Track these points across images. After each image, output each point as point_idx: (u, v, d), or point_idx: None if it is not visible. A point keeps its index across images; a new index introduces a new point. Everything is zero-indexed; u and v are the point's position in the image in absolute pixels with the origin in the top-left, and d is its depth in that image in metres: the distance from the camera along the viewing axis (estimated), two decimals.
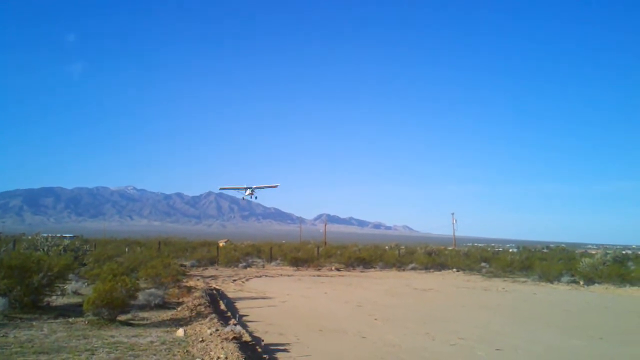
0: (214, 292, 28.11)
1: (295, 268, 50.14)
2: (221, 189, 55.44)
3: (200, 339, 13.91)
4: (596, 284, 37.66)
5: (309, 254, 57.87)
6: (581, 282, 38.85)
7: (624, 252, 62.61)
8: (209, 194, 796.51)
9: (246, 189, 54.74)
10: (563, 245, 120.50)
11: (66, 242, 38.49)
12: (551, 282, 40.52)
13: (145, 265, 28.93)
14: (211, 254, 53.92)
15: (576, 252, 74.62)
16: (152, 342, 13.65)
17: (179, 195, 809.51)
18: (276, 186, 57.10)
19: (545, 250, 79.78)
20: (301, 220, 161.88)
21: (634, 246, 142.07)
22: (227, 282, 35.37)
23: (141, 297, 20.17)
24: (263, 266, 52.16)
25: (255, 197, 54.91)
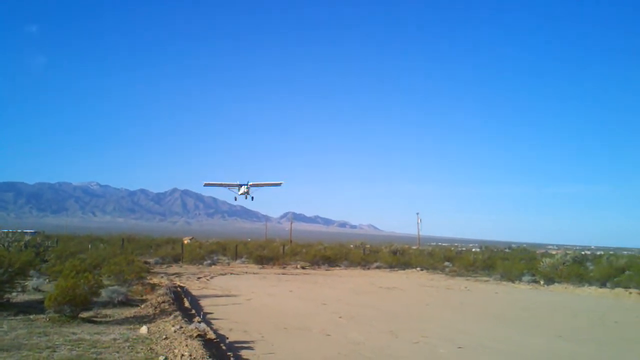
0: (178, 289, 27.93)
1: (260, 266, 50.04)
2: (206, 184, 47.53)
3: (164, 337, 13.84)
4: (556, 284, 38.38)
5: (275, 252, 57.78)
6: (542, 282, 39.56)
7: (583, 252, 63.99)
8: (174, 190, 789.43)
9: (239, 186, 47.30)
10: (525, 245, 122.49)
11: (27, 238, 37.87)
12: (512, 281, 41.17)
13: (109, 262, 28.64)
14: (175, 252, 53.50)
15: (537, 252, 75.93)
16: (115, 339, 13.53)
17: (144, 191, 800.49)
18: (280, 184, 50.32)
19: (507, 250, 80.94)
20: (267, 219, 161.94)
21: (592, 247, 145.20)
22: (192, 279, 35.15)
23: (104, 294, 19.95)
24: (228, 264, 51.90)
25: (252, 198, 47.56)
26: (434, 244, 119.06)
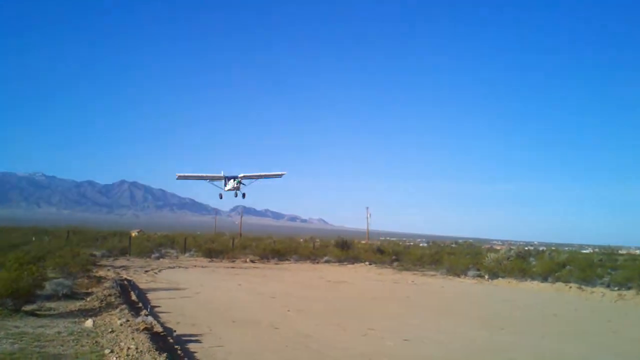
0: (125, 282, 27.55)
1: (209, 259, 49.69)
2: (180, 177, 39.98)
3: (110, 330, 13.71)
4: (500, 278, 39.30)
5: (224, 245, 57.50)
6: (486, 276, 40.45)
7: (526, 248, 65.56)
8: (122, 182, 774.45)
9: (225, 179, 39.00)
10: (470, 240, 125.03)
11: None
12: (458, 275, 41.97)
13: (54, 254, 28.10)
14: (123, 244, 52.58)
15: (482, 247, 77.61)
16: (59, 332, 13.33)
17: (91, 183, 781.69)
18: (281, 175, 42.05)
19: (453, 246, 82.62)
20: (217, 212, 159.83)
21: (535, 243, 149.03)
22: (139, 272, 34.70)
23: (48, 287, 19.57)
24: (177, 257, 51.34)
25: (243, 195, 39.30)
26: (383, 238, 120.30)
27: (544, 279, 37.09)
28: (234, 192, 39.13)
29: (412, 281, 37.92)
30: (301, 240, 73.25)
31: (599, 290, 32.13)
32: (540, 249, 73.42)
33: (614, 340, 17.82)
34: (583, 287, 33.21)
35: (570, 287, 33.58)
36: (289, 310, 21.22)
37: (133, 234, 67.65)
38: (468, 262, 45.13)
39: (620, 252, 69.42)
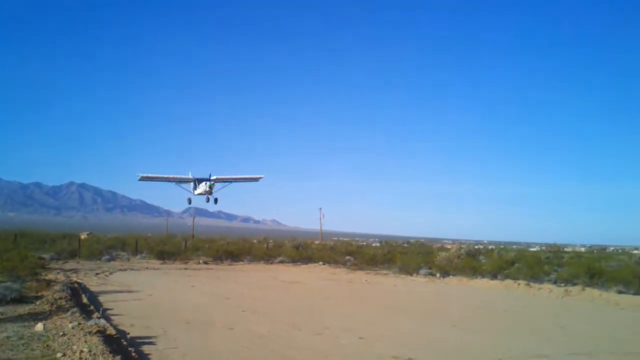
0: (76, 285, 27.02)
1: (161, 261, 49.16)
2: (143, 178, 36.05)
3: (62, 333, 13.47)
4: (451, 276, 40.00)
5: (177, 247, 56.88)
6: (438, 275, 41.11)
7: (476, 247, 66.82)
8: (71, 184, 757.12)
9: (195, 182, 36.00)
10: (422, 240, 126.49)
11: None
12: (411, 274, 42.54)
13: (0, 258, 27.35)
14: (72, 247, 51.50)
15: (434, 246, 78.62)
16: (8, 337, 13.05)
17: (38, 184, 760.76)
18: (258, 179, 39.80)
19: (405, 245, 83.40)
20: (168, 213, 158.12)
21: (485, 241, 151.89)
22: (90, 275, 34.12)
23: None
24: (128, 259, 50.62)
25: (215, 201, 36.69)
26: (336, 238, 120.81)
27: (494, 277, 37.90)
28: (205, 196, 36.46)
29: (366, 280, 38.28)
30: (255, 241, 72.94)
31: (547, 286, 32.99)
32: (490, 247, 74.90)
33: (561, 334, 18.39)
34: (531, 283, 34.04)
35: (519, 284, 34.39)
36: (243, 311, 21.21)
37: (82, 237, 66.28)
38: (420, 261, 45.77)
39: (565, 249, 71.31)
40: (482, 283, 36.79)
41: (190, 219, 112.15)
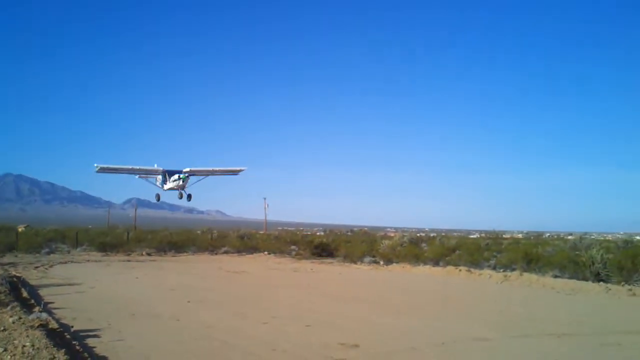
0: (15, 279, 26.30)
1: (103, 253, 48.29)
2: (102, 170, 32.60)
3: (2, 328, 13.15)
4: (394, 264, 40.69)
5: (118, 238, 55.92)
6: (381, 262, 41.77)
7: (418, 234, 68.15)
8: (7, 175, 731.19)
9: (166, 174, 32.84)
10: (366, 228, 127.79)
11: None
12: (355, 262, 43.10)
13: None
14: (9, 240, 50.04)
15: (377, 234, 79.63)
16: None
17: None
18: (238, 172, 36.96)
19: (349, 234, 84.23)
20: (110, 205, 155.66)
21: (427, 229, 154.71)
22: (29, 269, 33.28)
23: None
24: (69, 252, 49.53)
25: (189, 197, 33.79)
26: (281, 228, 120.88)
27: (436, 264, 38.75)
28: (177, 191, 33.13)
29: (311, 269, 38.57)
30: (199, 231, 72.33)
31: (486, 272, 33.93)
32: (432, 235, 76.41)
33: (500, 318, 18.98)
34: (472, 269, 34.94)
35: (460, 270, 35.24)
36: (189, 302, 21.12)
37: (20, 229, 64.44)
38: (364, 249, 46.39)
39: (504, 236, 73.34)
40: (425, 270, 37.54)
41: (132, 210, 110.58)
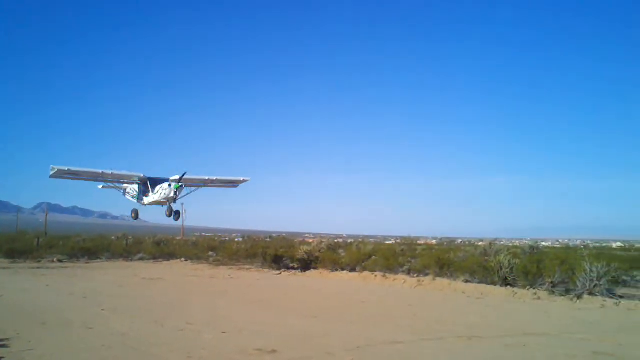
0: None
1: (11, 260, 46.36)
2: (59, 173, 26.97)
3: None
4: (312, 270, 41.07)
5: (28, 245, 53.76)
6: (299, 268, 42.05)
7: (336, 240, 68.80)
8: None
9: (149, 183, 27.76)
10: (284, 234, 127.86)
11: None
12: (273, 268, 43.20)
13: None
14: None
15: (295, 240, 79.90)
16: None
17: None
18: (237, 184, 32.57)
19: (268, 239, 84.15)
20: (19, 209, 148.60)
21: (344, 235, 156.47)
22: None
23: None
24: None
25: (177, 215, 29.34)
26: (198, 234, 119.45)
27: (353, 269, 39.36)
28: (163, 206, 27.55)
29: (229, 275, 38.45)
30: (113, 237, 70.54)
31: (401, 277, 34.77)
32: (349, 241, 77.37)
33: (413, 321, 19.57)
34: (387, 275, 35.72)
35: (376, 276, 35.96)
36: (103, 310, 20.68)
37: None
38: (282, 255, 46.52)
39: (419, 242, 75.10)
40: (342, 275, 38.12)
41: (42, 215, 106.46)
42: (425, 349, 14.67)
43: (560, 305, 25.37)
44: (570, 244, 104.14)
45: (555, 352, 14.70)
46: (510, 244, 67.26)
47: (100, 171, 27.81)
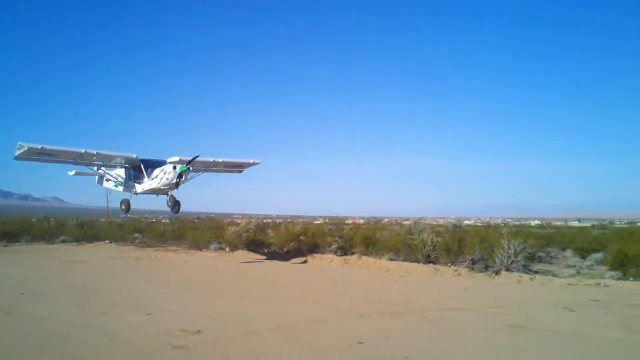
0: None
1: None
2: (28, 152, 24.44)
3: None
4: (239, 250, 41.03)
5: None
6: (227, 249, 41.94)
7: (265, 220, 68.86)
8: None
9: (143, 166, 25.50)
10: (212, 215, 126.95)
11: None
12: (201, 249, 42.95)
13: None
14: None
15: (224, 221, 79.51)
16: None
17: None
18: (241, 169, 31.54)
19: (196, 220, 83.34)
20: None
21: (274, 215, 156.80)
22: None
23: None
24: None
25: (177, 206, 27.34)
26: (124, 215, 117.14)
27: (281, 249, 39.57)
28: (165, 189, 24.61)
29: (155, 257, 37.99)
30: (34, 219, 68.25)
31: (328, 256, 35.25)
32: (278, 221, 77.59)
33: (339, 300, 19.96)
34: (315, 254, 36.12)
35: (305, 256, 36.33)
36: (22, 294, 20.14)
37: None
38: (210, 236, 46.26)
39: (346, 221, 76.11)
40: (270, 255, 38.28)
41: None
42: (349, 326, 14.99)
43: (479, 281, 26.42)
44: (492, 222, 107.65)
45: (471, 324, 15.35)
46: (435, 223, 69.00)
47: (83, 150, 24.22)
